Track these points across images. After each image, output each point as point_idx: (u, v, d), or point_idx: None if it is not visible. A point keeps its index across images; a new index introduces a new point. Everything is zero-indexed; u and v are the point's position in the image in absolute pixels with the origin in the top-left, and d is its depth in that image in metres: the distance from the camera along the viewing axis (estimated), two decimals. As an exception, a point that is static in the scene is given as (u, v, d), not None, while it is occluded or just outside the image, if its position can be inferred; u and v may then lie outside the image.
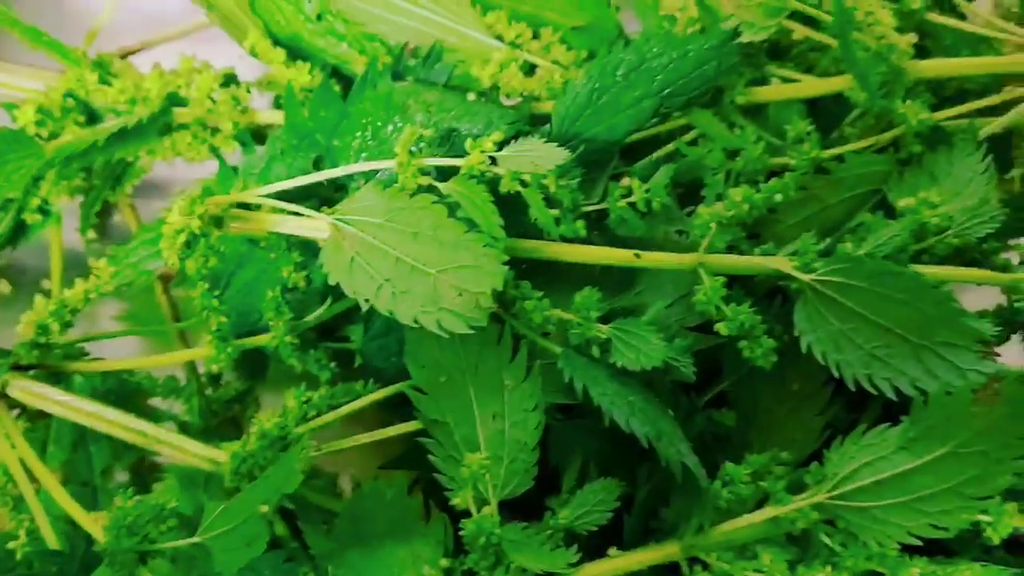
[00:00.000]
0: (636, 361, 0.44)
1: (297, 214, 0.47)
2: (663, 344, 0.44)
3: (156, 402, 0.57)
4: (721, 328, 0.45)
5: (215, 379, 0.55)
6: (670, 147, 0.53)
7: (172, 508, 0.45)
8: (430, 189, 0.46)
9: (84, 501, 0.49)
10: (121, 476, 0.55)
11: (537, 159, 0.45)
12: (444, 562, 0.42)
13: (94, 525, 0.45)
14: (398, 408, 0.48)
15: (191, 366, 0.56)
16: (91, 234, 0.62)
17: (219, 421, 0.55)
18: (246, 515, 0.43)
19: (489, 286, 0.42)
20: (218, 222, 0.46)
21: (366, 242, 0.45)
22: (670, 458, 0.42)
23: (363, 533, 0.44)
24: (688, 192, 0.52)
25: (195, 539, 0.44)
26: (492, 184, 0.45)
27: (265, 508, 0.42)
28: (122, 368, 0.53)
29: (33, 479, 0.49)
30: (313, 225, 0.46)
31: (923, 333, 0.42)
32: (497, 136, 0.45)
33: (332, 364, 0.51)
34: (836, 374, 0.43)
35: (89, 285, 0.49)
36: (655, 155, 0.53)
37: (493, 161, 0.45)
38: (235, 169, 0.55)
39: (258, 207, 0.48)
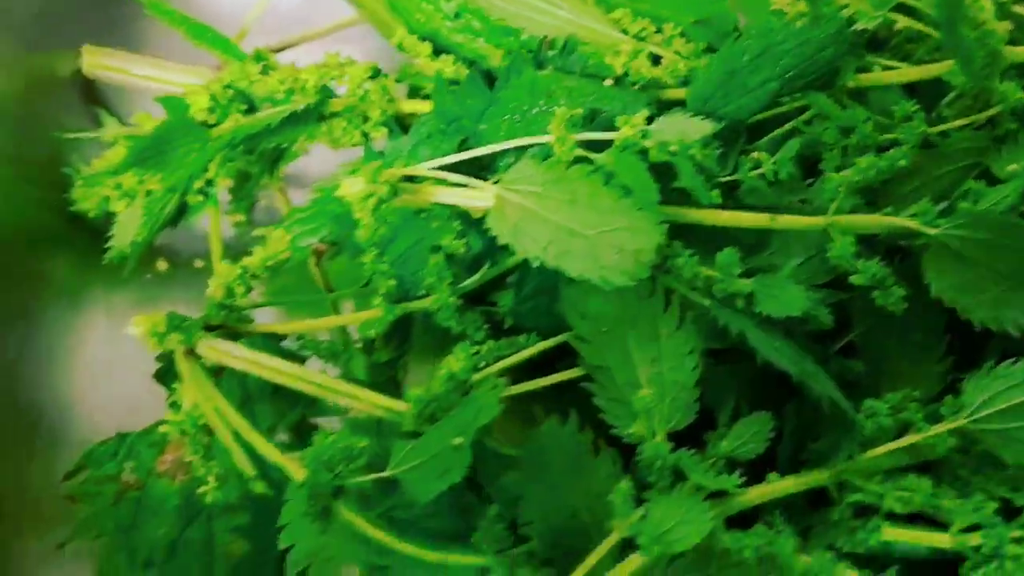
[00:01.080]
0: (780, 309, 0.49)
1: (461, 186, 0.52)
2: (804, 293, 0.49)
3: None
4: (856, 279, 0.50)
5: (368, 345, 0.60)
6: (788, 126, 0.58)
7: (363, 447, 0.49)
8: (583, 160, 0.51)
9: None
10: (282, 436, 0.60)
11: (685, 131, 0.50)
12: (624, 486, 0.46)
13: (291, 464, 0.50)
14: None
15: (343, 332, 0.61)
16: (240, 217, 0.67)
17: (381, 381, 0.59)
18: (438, 449, 0.48)
19: (648, 244, 0.47)
20: (393, 192, 0.51)
21: (527, 209, 0.50)
22: (820, 393, 0.48)
23: (542, 470, 0.49)
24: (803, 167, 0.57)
25: (386, 474, 0.49)
26: (641, 156, 0.50)
27: (459, 440, 0.47)
28: (291, 330, 0.57)
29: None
30: (478, 195, 0.52)
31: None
32: (645, 112, 0.51)
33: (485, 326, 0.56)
34: (964, 317, 0.48)
35: (267, 252, 0.54)
36: (776, 132, 0.58)
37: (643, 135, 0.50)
38: (380, 154, 0.60)
39: (423, 180, 0.53)
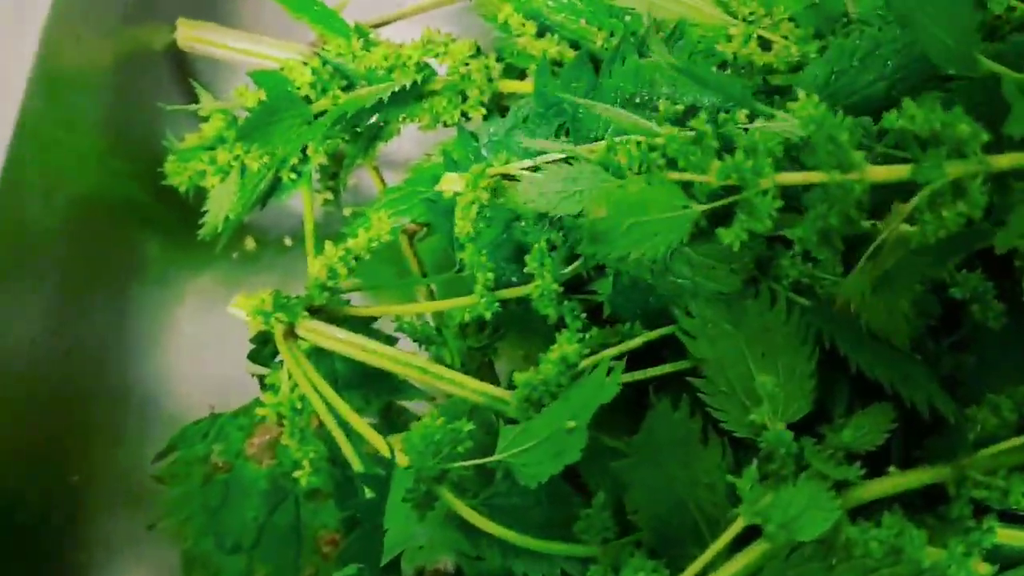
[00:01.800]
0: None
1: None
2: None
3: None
4: (955, 292, 0.48)
5: (462, 330, 0.59)
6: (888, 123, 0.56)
7: (469, 431, 0.48)
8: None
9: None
10: (370, 420, 0.59)
11: (790, 128, 0.49)
12: (752, 470, 0.44)
13: (393, 446, 0.49)
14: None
15: (440, 316, 0.60)
16: (328, 195, 0.66)
17: (473, 367, 0.58)
18: (550, 432, 0.46)
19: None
20: (493, 192, 0.51)
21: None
22: (914, 399, 0.47)
23: (652, 456, 0.47)
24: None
25: (495, 458, 0.48)
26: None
27: (572, 424, 0.45)
28: (387, 313, 0.56)
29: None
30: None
31: None
32: (745, 111, 0.50)
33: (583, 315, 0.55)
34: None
35: (372, 233, 0.53)
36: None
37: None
38: (473, 135, 0.59)
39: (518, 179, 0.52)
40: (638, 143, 0.45)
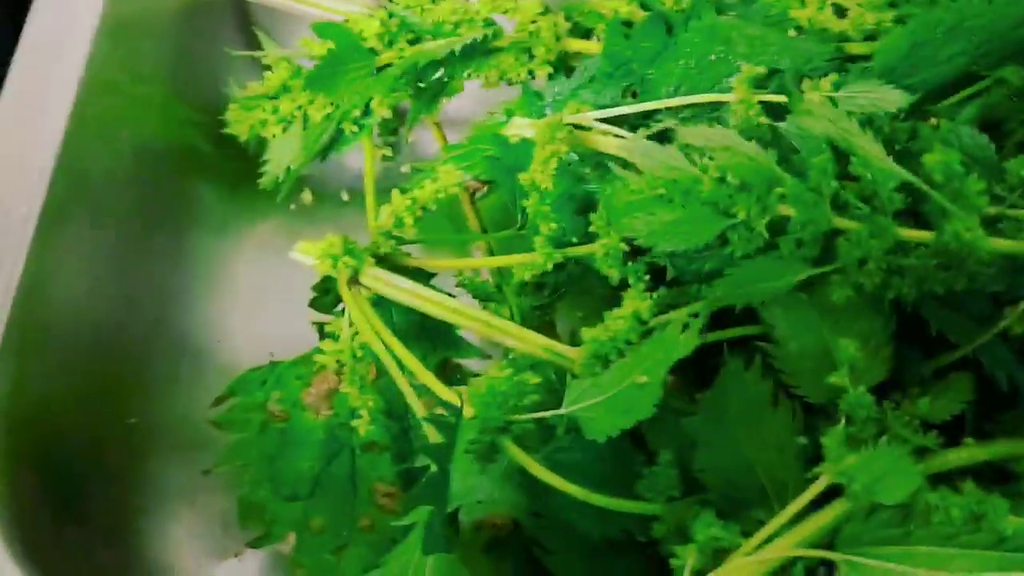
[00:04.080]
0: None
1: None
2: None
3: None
4: None
5: (522, 288, 0.58)
6: (968, 91, 0.56)
7: (535, 384, 0.47)
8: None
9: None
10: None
11: (877, 100, 0.48)
12: (840, 428, 0.43)
13: (455, 397, 0.48)
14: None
15: (498, 274, 0.59)
16: (387, 151, 0.65)
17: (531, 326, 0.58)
18: (621, 387, 0.46)
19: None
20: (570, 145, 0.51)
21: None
22: (994, 368, 0.46)
23: (721, 415, 0.47)
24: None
25: (563, 411, 0.47)
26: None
27: (645, 379, 0.45)
28: (450, 267, 0.56)
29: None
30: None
31: None
32: (833, 77, 0.49)
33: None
34: None
35: (438, 186, 0.53)
36: (954, 98, 0.56)
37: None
38: (538, 93, 0.59)
39: (589, 128, 0.52)
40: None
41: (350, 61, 0.57)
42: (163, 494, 0.59)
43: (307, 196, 0.69)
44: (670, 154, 0.48)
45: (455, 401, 0.49)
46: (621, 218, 0.49)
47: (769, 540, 0.42)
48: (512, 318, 0.57)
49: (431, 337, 0.58)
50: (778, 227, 0.46)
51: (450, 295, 0.57)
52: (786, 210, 0.45)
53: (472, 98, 0.64)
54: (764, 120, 0.50)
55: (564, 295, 0.60)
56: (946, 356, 0.49)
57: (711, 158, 0.47)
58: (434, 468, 0.45)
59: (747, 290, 0.47)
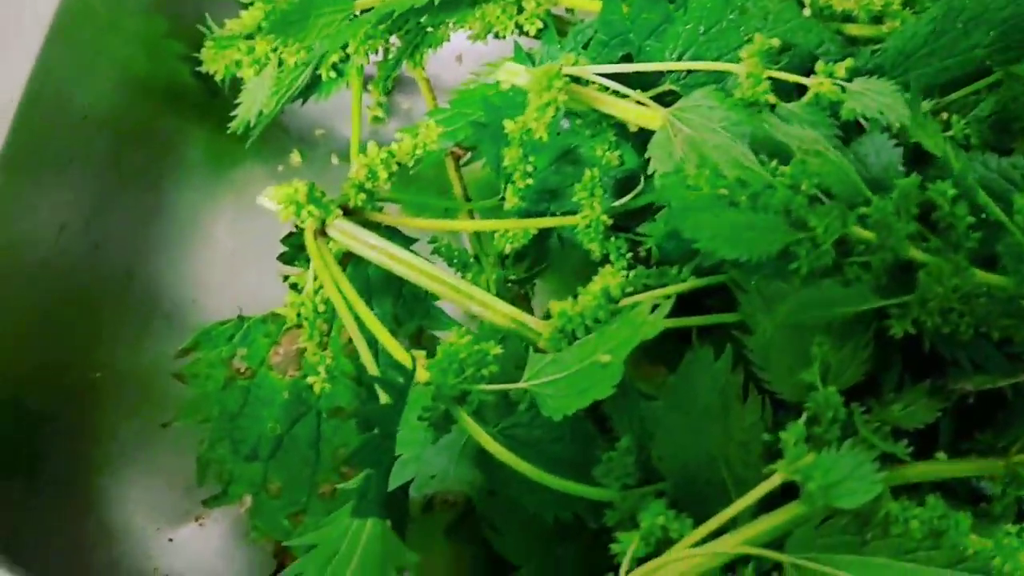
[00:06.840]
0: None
1: (624, 97, 0.49)
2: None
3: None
4: None
5: (501, 260, 0.56)
6: (980, 84, 0.53)
7: (496, 355, 0.45)
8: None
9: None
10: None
11: (884, 107, 0.46)
12: (799, 425, 0.41)
13: (416, 361, 0.46)
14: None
15: (477, 243, 0.57)
16: (379, 112, 0.63)
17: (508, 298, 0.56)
18: (582, 365, 0.44)
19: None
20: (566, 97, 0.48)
21: (696, 144, 0.46)
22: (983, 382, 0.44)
23: (686, 403, 0.45)
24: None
25: (521, 385, 0.45)
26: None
27: (608, 357, 0.43)
28: (424, 228, 0.54)
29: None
30: (645, 113, 0.48)
31: None
32: (849, 63, 0.48)
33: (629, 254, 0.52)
34: None
35: (417, 141, 0.51)
36: (965, 91, 0.53)
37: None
38: (530, 55, 0.57)
39: (587, 83, 0.49)
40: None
41: (325, 4, 0.55)
42: (123, 452, 0.58)
43: (296, 158, 0.67)
44: (741, 151, 0.46)
45: (407, 363, 0.47)
46: (680, 214, 0.44)
47: (717, 534, 0.40)
48: (489, 290, 0.55)
49: (407, 305, 0.56)
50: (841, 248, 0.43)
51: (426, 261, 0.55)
52: (861, 232, 0.42)
53: (471, 65, 0.62)
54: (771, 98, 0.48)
55: (544, 272, 0.58)
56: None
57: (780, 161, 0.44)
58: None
59: (811, 314, 0.43)
